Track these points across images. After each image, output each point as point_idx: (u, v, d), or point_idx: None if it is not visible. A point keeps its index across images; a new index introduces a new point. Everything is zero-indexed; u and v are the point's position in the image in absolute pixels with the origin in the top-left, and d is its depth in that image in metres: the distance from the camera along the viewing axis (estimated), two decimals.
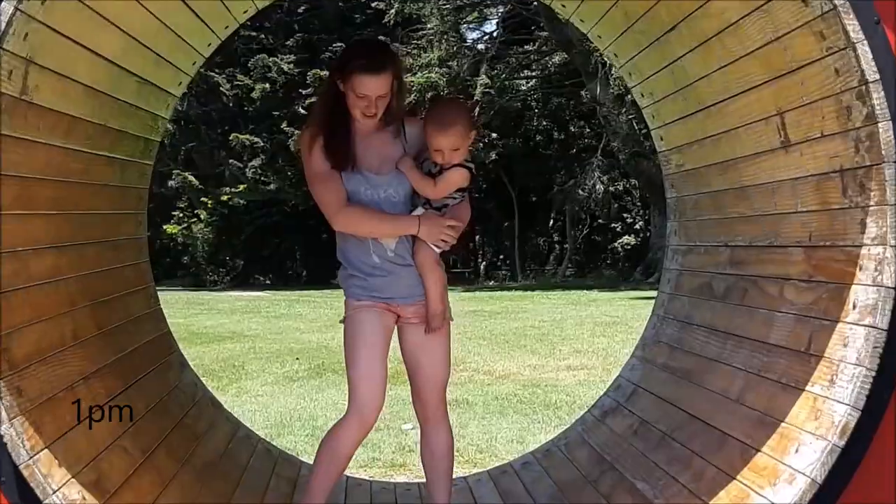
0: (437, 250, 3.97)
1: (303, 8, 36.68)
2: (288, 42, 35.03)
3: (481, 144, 30.33)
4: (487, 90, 29.52)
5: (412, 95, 26.34)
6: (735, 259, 4.26)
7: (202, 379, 5.60)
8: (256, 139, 33.33)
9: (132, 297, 4.74)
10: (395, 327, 4.05)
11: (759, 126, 3.84)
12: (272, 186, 33.68)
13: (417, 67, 29.10)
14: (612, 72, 25.26)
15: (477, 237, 46.91)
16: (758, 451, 3.55)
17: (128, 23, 3.88)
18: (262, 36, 35.87)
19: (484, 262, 42.55)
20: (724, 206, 4.41)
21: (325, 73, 29.79)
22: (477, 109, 28.98)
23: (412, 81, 27.26)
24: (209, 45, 5.02)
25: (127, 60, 4.12)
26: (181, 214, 38.72)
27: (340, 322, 4.02)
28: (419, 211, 3.98)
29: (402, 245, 3.96)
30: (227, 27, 4.98)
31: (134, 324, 4.62)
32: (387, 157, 3.97)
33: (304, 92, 31.29)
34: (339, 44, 31.20)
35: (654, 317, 5.21)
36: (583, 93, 31.53)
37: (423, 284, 3.99)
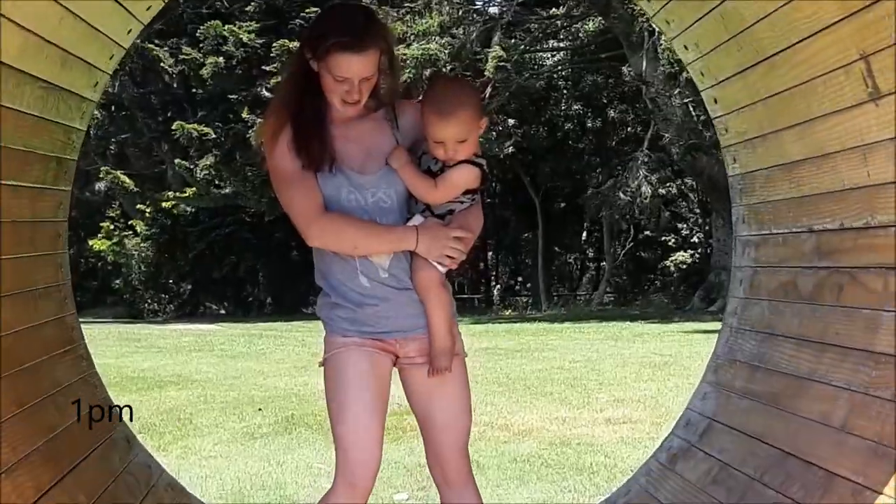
0: (442, 269, 3.93)
1: None
2: (248, 6, 35.11)
3: (494, 134, 30.38)
4: (502, 65, 29.53)
5: (407, 72, 26.38)
6: (823, 247, 4.23)
7: (138, 436, 5.58)
8: (207, 130, 33.28)
9: (58, 360, 4.68)
10: (394, 370, 4.02)
11: (839, 76, 3.83)
12: (228, 190, 33.70)
13: (413, 37, 29.13)
14: (663, 41, 25.26)
15: (489, 254, 46.93)
16: (874, 491, 3.51)
17: (23, 14, 3.81)
18: None
19: (499, 286, 42.59)
20: (803, 181, 4.38)
21: (295, 45, 29.81)
22: (488, 90, 29.04)
23: (406, 55, 27.28)
24: (129, 31, 4.95)
25: (26, 62, 4.05)
26: (111, 226, 38.80)
27: (320, 365, 3.99)
28: (417, 220, 3.92)
29: (399, 263, 3.93)
30: (149, 7, 4.91)
31: (64, 395, 4.56)
32: (374, 150, 3.94)
33: (268, 69, 31.33)
34: (314, 8, 31.23)
35: (725, 329, 5.18)
36: (624, 69, 31.58)
37: (424, 313, 3.96)
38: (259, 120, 28.46)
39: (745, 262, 5.10)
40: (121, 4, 4.61)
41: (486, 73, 28.74)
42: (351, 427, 3.81)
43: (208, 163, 33.21)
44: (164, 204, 36.04)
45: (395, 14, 29.57)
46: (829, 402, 3.96)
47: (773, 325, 4.66)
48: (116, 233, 38.48)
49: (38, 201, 4.61)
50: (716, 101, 5.11)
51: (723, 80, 4.92)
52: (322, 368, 3.98)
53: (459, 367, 4.02)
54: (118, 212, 39.72)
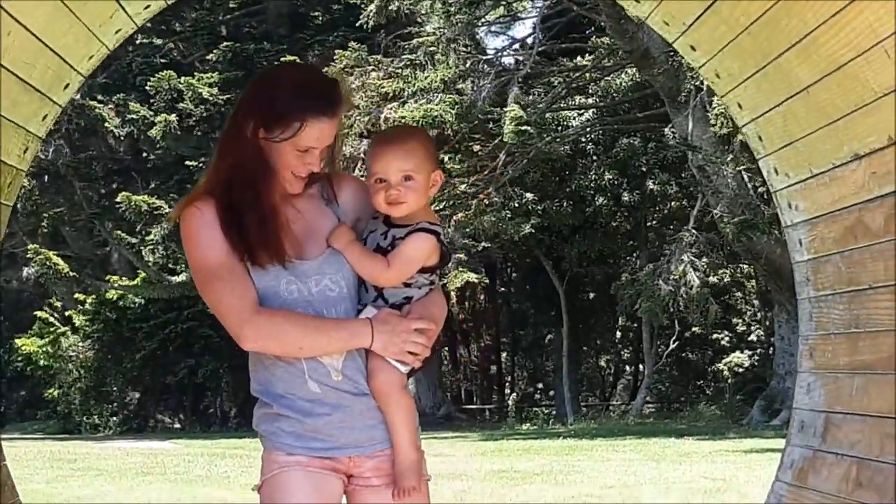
0: (403, 369, 3.91)
1: (234, 3, 37.03)
2: (209, 55, 35.36)
3: (509, 213, 30.34)
4: (520, 127, 29.38)
5: None
6: (879, 170, 4.27)
7: None
8: (160, 202, 33.11)
9: None
10: (345, 494, 4.00)
11: None
12: (184, 276, 33.55)
13: (410, 95, 29.02)
14: (716, 98, 25.30)
15: (503, 356, 46.85)
16: None
17: None
18: (171, 45, 36.22)
19: (515, 395, 42.51)
20: (826, 103, 4.47)
21: None
22: (501, 158, 29.04)
23: (405, 117, 27.13)
24: (66, 86, 4.99)
25: None
26: (47, 317, 38.74)
27: (254, 490, 3.96)
28: (369, 311, 3.92)
29: (353, 363, 3.90)
30: (90, 57, 4.95)
31: None
32: (313, 232, 3.95)
33: None
34: (291, 58, 31.41)
35: (804, 303, 5.23)
36: (667, 131, 31.68)
37: (385, 423, 3.92)
38: None
39: (796, 218, 5.16)
40: (56, 54, 4.61)
41: (506, 138, 28.34)
42: None
43: (159, 241, 32.85)
44: (107, 294, 36.00)
45: (391, 67, 29.35)
46: None
47: (855, 278, 4.67)
48: (49, 330, 38.33)
49: None
50: (693, 49, 5.23)
51: (693, 23, 5.01)
52: (256, 493, 3.94)
53: (424, 492, 4.00)
54: (57, 304, 39.67)
